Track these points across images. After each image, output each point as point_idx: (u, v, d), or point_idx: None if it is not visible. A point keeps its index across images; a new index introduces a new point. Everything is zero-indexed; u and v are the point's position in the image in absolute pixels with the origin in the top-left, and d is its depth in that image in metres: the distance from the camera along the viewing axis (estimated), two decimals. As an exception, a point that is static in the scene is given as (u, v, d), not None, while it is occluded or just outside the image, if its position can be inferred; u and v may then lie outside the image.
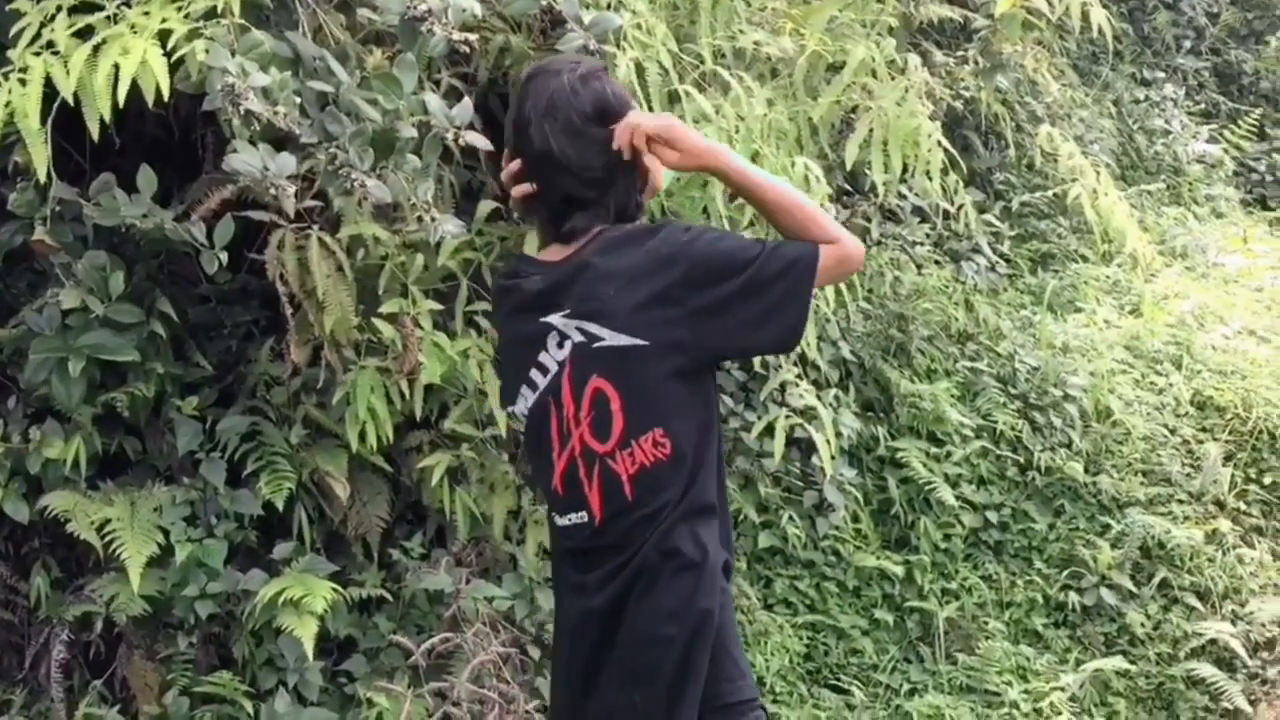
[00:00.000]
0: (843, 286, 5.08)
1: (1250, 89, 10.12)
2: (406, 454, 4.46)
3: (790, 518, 5.22)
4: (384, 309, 4.03)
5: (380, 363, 4.10)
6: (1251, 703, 5.25)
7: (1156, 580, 5.47)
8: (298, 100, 2.93)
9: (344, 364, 4.09)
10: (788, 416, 4.76)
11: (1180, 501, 5.80)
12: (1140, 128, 9.02)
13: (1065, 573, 5.47)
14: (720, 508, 2.71)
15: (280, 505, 4.08)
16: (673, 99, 4.20)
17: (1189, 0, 10.16)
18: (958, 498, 5.51)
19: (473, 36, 3.01)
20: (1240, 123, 9.51)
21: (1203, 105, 9.73)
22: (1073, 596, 5.38)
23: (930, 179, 4.87)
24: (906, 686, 5.17)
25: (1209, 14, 10.23)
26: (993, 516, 5.57)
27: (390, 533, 4.46)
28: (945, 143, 4.91)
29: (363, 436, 4.06)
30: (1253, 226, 8.63)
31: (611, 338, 2.60)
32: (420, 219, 3.44)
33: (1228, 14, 10.26)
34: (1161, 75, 9.64)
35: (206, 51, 2.85)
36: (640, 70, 3.97)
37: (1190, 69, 9.89)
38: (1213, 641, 5.27)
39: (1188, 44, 10.03)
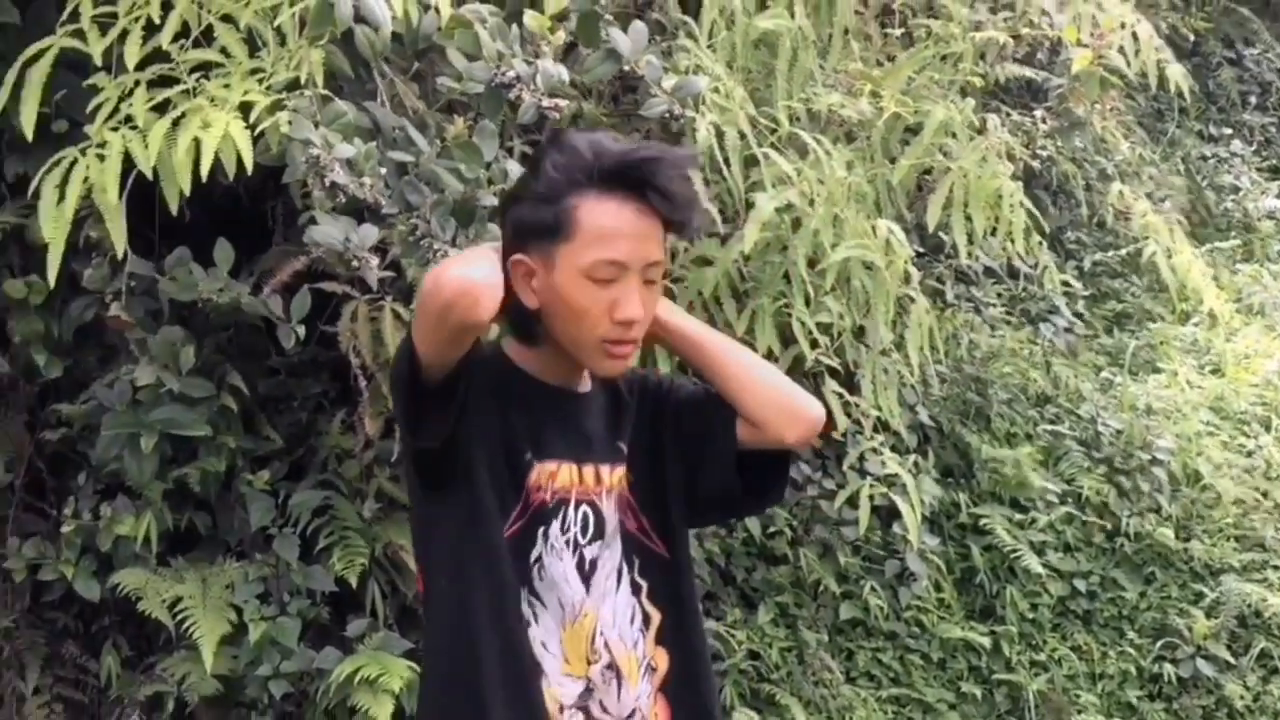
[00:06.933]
0: (927, 348, 4.93)
1: (1318, 145, 9.98)
2: (482, 527, 4.35)
3: (872, 588, 5.07)
4: (460, 380, 3.93)
5: (455, 434, 3.99)
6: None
7: (1255, 650, 5.27)
8: (382, 171, 2.85)
9: (418, 436, 4.00)
10: (872, 485, 4.61)
11: (1275, 568, 5.58)
12: (1209, 185, 8.88)
13: (1159, 643, 5.28)
14: None
15: (354, 581, 3.98)
16: (750, 162, 4.11)
17: (1254, 56, 10.04)
18: (1044, 565, 5.34)
19: (562, 102, 2.93)
20: (1310, 178, 9.37)
21: (1271, 161, 9.58)
22: (1168, 668, 5.19)
23: (1013, 241, 4.74)
24: (996, 762, 5.02)
25: (1275, 70, 10.09)
26: (1081, 585, 5.39)
27: (464, 608, 4.35)
28: (1028, 203, 4.79)
29: (438, 510, 3.96)
30: (1329, 283, 8.46)
31: None
32: (500, 288, 3.35)
33: (1294, 70, 10.14)
34: (1228, 131, 9.50)
35: (289, 123, 2.78)
36: (720, 134, 3.88)
37: (1257, 125, 9.75)
38: (1316, 715, 5.07)
39: (1253, 100, 9.90)
